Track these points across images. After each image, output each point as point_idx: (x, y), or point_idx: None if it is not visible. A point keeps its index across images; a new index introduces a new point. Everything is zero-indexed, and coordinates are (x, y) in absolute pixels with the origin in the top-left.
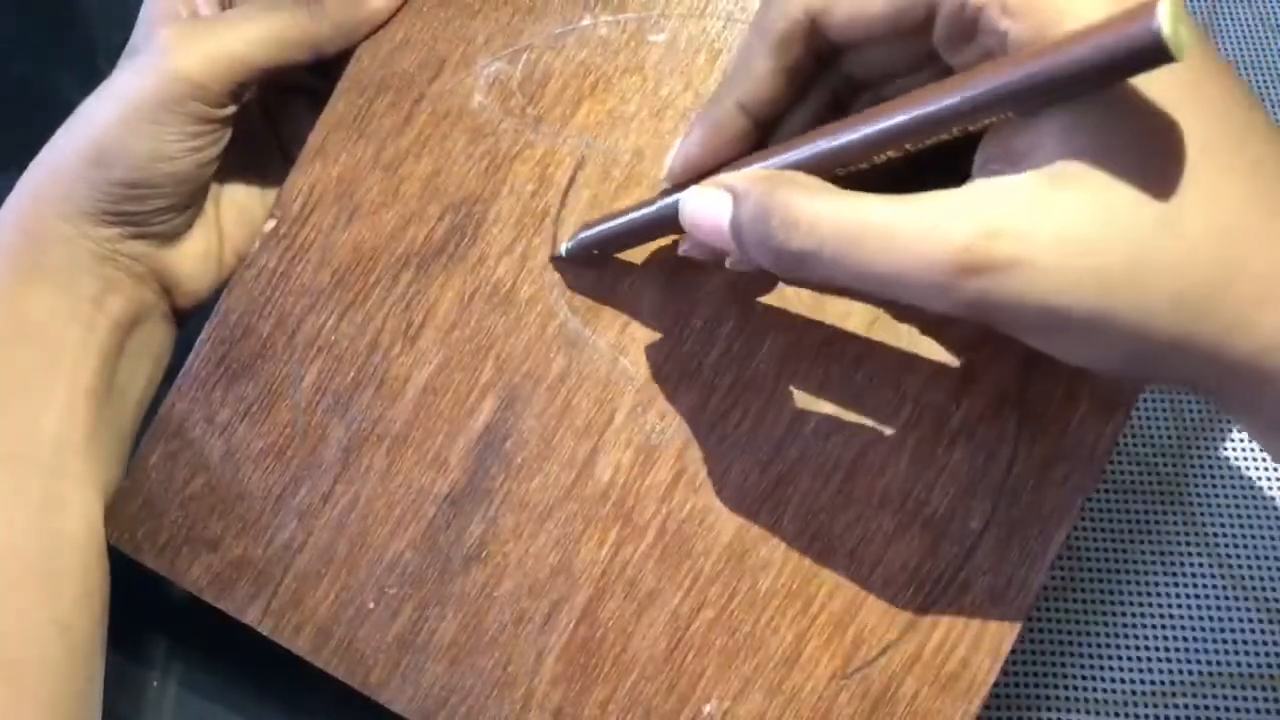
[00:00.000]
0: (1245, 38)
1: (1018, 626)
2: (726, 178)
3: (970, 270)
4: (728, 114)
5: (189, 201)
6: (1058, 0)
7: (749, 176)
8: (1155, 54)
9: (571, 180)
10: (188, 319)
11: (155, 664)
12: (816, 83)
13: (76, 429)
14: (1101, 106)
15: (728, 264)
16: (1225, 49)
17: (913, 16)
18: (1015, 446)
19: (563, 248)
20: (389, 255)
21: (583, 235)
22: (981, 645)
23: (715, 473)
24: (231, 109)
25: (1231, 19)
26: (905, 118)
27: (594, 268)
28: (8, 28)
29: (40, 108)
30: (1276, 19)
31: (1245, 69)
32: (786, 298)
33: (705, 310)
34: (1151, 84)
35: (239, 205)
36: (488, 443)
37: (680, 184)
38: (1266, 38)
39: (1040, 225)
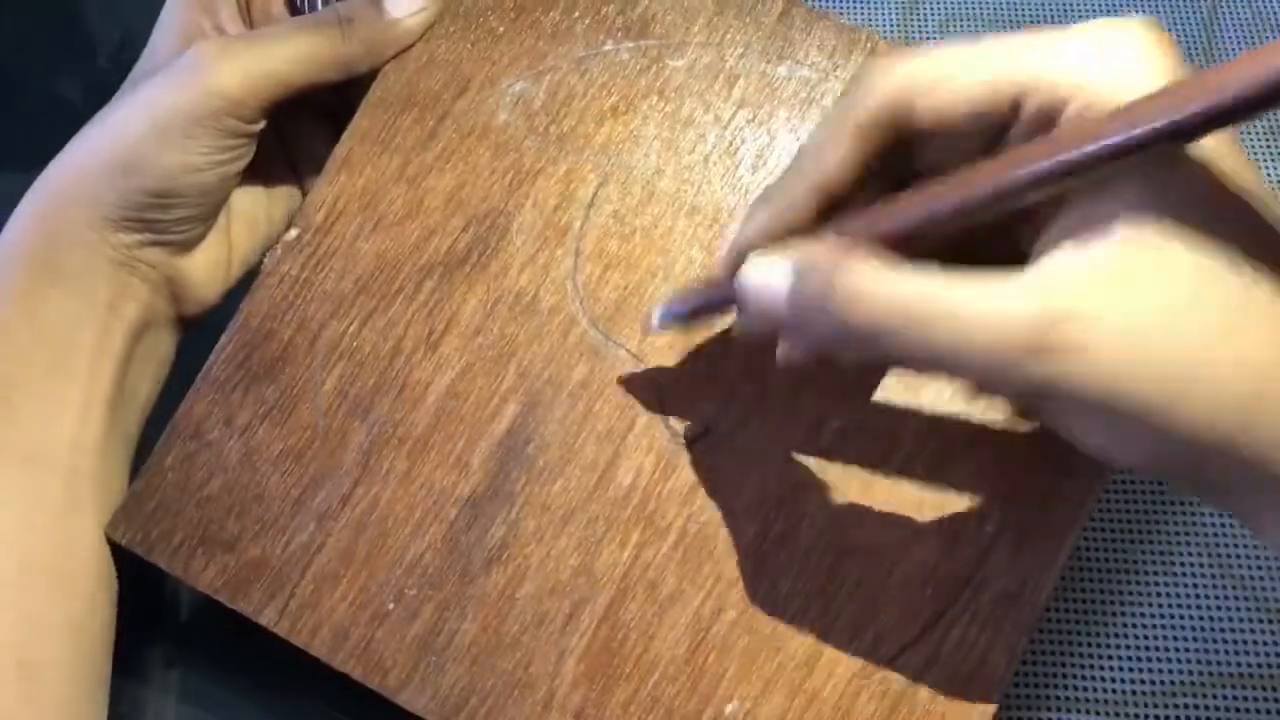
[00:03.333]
0: (1245, 38)
1: (1032, 625)
2: (788, 250)
3: (1038, 351)
4: (804, 194)
5: (210, 212)
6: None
7: (812, 250)
8: None
9: (594, 196)
10: (189, 327)
11: (153, 679)
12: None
13: (91, 433)
14: (1176, 189)
15: (778, 357)
16: (1225, 49)
17: (999, 105)
18: (1027, 455)
19: (655, 320)
20: (412, 264)
21: (671, 309)
22: (997, 645)
23: (735, 478)
24: (260, 125)
25: (1231, 19)
26: (993, 184)
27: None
28: (8, 28)
29: (40, 108)
30: (1276, 19)
31: None
32: None
33: (724, 322)
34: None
35: (247, 216)
36: (509, 447)
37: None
38: (1267, 38)
39: (1107, 313)
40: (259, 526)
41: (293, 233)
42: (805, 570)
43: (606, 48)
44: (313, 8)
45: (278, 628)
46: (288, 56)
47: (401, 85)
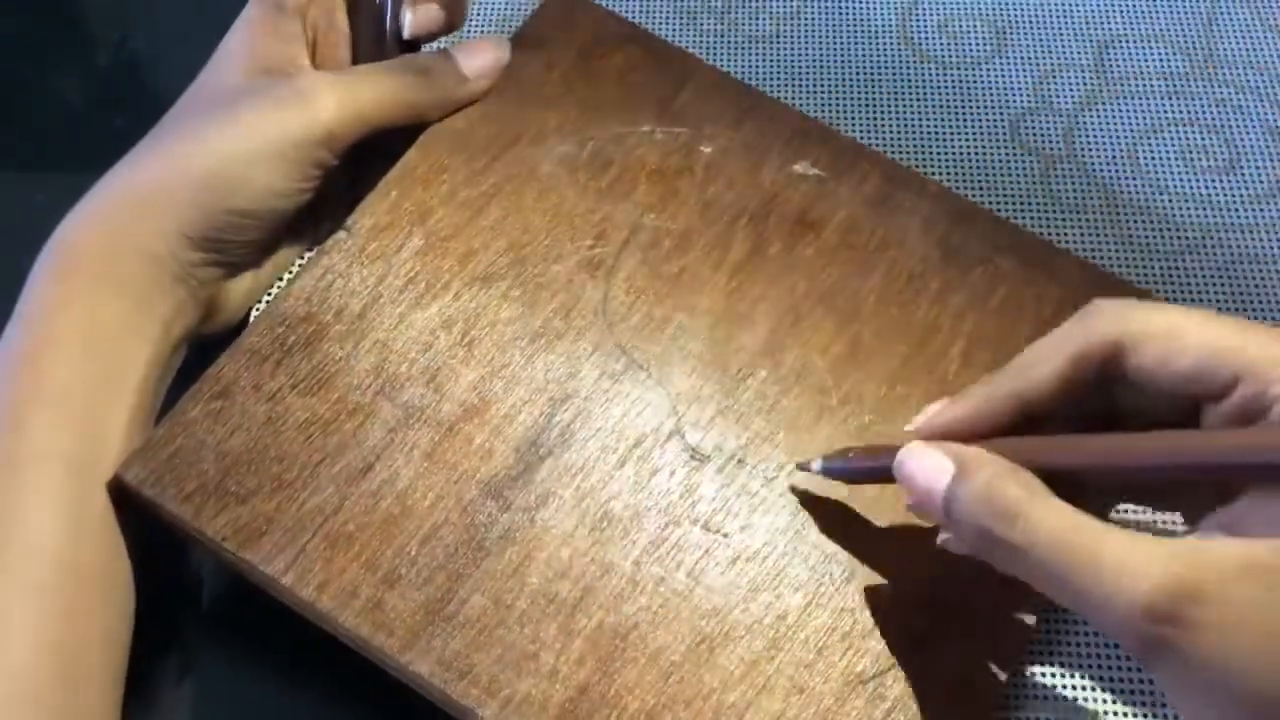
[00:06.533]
0: (1245, 38)
1: (1023, 644)
2: (955, 447)
3: (1162, 618)
4: (1003, 398)
5: (269, 241)
6: None
7: (979, 455)
8: None
9: (625, 242)
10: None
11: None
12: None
13: (132, 447)
14: None
15: (939, 540)
16: (1225, 49)
17: (1212, 382)
18: None
19: (815, 465)
20: (453, 274)
21: (832, 464)
22: (989, 661)
23: (747, 493)
24: (336, 161)
25: (1231, 19)
26: (1180, 459)
27: None
28: (8, 28)
29: (40, 108)
30: (1276, 19)
31: (1245, 69)
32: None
33: (739, 360)
34: None
35: (273, 251)
36: (533, 440)
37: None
38: (1267, 38)
39: (1240, 603)
40: (276, 484)
41: (340, 234)
42: (808, 584)
43: (644, 129)
44: (389, 54)
45: (285, 579)
46: (376, 98)
47: (455, 132)
